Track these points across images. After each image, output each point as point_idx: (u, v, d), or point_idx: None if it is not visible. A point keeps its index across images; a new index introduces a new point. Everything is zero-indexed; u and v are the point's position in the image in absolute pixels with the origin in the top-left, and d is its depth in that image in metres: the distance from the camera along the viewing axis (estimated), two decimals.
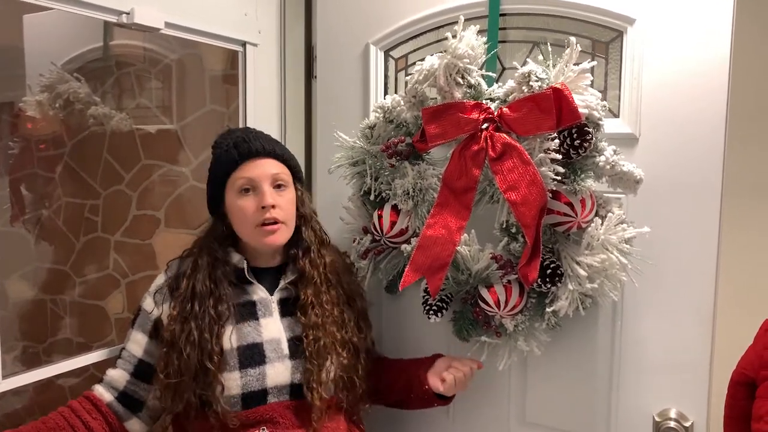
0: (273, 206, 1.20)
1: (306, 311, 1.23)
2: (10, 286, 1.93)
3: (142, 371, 1.21)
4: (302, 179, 1.33)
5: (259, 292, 1.25)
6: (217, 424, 1.15)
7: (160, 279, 1.27)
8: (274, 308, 1.25)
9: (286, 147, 1.30)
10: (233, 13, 1.53)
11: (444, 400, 1.33)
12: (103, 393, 1.19)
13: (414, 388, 1.32)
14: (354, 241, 1.44)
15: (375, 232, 1.37)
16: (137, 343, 1.22)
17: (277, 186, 1.23)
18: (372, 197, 1.38)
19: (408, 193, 1.31)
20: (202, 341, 1.15)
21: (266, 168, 1.22)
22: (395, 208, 1.34)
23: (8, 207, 1.86)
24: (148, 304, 1.24)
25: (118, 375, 1.21)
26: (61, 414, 1.14)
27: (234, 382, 1.16)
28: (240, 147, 1.22)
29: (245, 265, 1.24)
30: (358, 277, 1.41)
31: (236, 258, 1.25)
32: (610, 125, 1.24)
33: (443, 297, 1.32)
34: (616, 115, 1.32)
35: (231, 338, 1.19)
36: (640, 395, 1.32)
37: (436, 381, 1.28)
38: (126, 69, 1.93)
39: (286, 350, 1.21)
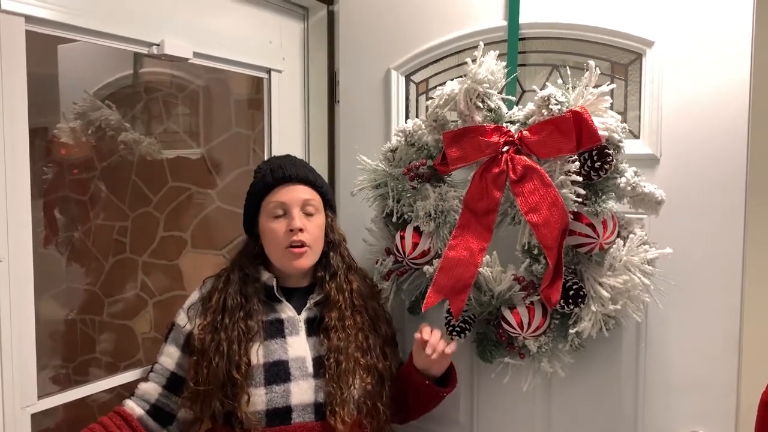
0: (301, 230, 1.24)
1: (329, 334, 1.25)
2: (42, 307, 1.98)
3: (174, 384, 1.24)
4: (333, 207, 1.37)
5: (287, 311, 1.28)
6: None
7: (195, 295, 1.31)
8: (301, 327, 1.28)
9: (320, 175, 1.34)
10: (258, 41, 1.57)
11: (443, 386, 1.33)
12: (134, 407, 1.22)
13: (421, 390, 1.32)
14: (376, 263, 1.46)
15: (397, 254, 1.39)
16: (170, 356, 1.26)
17: (308, 213, 1.27)
18: (394, 219, 1.40)
19: (430, 215, 1.33)
20: (231, 352, 1.19)
21: (298, 194, 1.26)
22: (417, 230, 1.36)
23: (42, 230, 1.92)
24: (181, 318, 1.28)
25: (151, 388, 1.24)
26: (92, 431, 1.16)
27: (259, 397, 1.19)
28: (275, 173, 1.27)
29: (274, 283, 1.28)
30: (382, 300, 1.42)
31: (266, 276, 1.29)
32: (630, 146, 1.24)
33: (466, 318, 1.33)
34: (637, 136, 1.32)
35: (258, 353, 1.21)
36: (666, 416, 1.31)
37: (419, 362, 1.30)
38: (154, 95, 1.99)
39: (310, 369, 1.24)
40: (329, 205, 1.34)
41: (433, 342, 1.26)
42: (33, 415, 1.11)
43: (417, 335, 1.27)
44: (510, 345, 1.33)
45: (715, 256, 1.25)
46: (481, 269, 1.26)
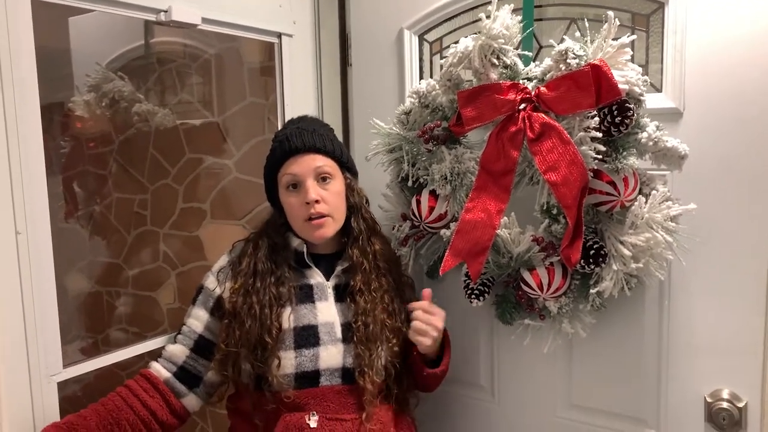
0: (317, 201, 1.22)
1: (355, 298, 1.25)
2: (69, 281, 2.02)
3: (201, 347, 1.26)
4: (351, 168, 1.34)
5: (316, 277, 1.29)
6: (272, 400, 1.19)
7: (224, 259, 1.31)
8: (330, 293, 1.28)
9: (333, 137, 1.31)
10: (268, 4, 1.54)
11: (434, 366, 1.30)
12: (160, 370, 1.24)
13: (410, 361, 1.31)
14: (393, 228, 1.45)
15: (414, 219, 1.38)
16: (198, 319, 1.27)
17: (323, 179, 1.25)
18: (410, 183, 1.38)
19: (446, 178, 1.31)
20: (263, 316, 1.20)
21: (308, 163, 1.24)
22: (433, 194, 1.34)
23: (62, 204, 1.94)
24: (210, 282, 1.29)
25: (178, 350, 1.26)
26: (119, 394, 1.19)
27: (289, 361, 1.20)
28: (283, 145, 1.26)
29: (305, 249, 1.28)
30: (403, 266, 1.42)
31: (296, 242, 1.29)
32: (652, 100, 1.20)
33: (485, 281, 1.32)
34: (659, 90, 1.28)
35: (289, 319, 1.22)
36: (690, 376, 1.29)
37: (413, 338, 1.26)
38: (167, 65, 1.98)
39: (339, 334, 1.24)
40: (346, 168, 1.32)
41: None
42: (59, 383, 1.14)
43: (423, 303, 1.26)
44: (530, 306, 1.32)
45: (741, 212, 1.21)
46: (499, 231, 1.24)
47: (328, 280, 1.29)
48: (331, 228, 1.26)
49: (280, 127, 1.59)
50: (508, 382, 1.51)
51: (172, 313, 2.02)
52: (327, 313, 1.25)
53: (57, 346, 1.12)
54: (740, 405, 1.24)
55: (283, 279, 1.24)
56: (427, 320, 1.24)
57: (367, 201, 1.36)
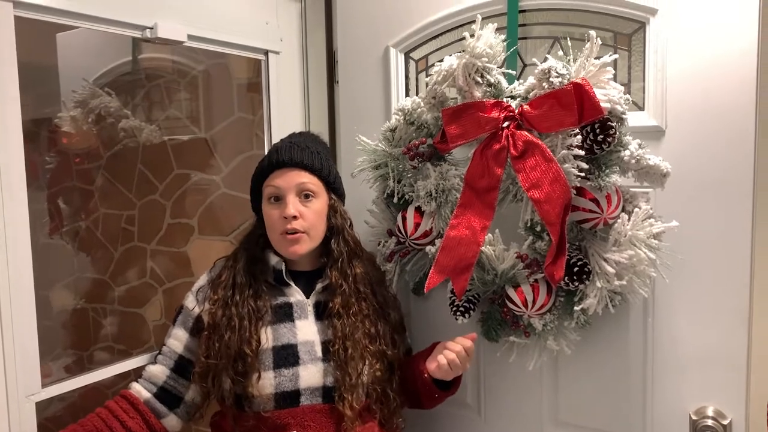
0: (295, 217, 1.22)
1: (333, 321, 1.24)
2: (53, 296, 2.00)
3: (181, 367, 1.25)
4: (337, 189, 1.33)
5: (296, 295, 1.28)
6: (252, 418, 1.18)
7: (203, 279, 1.31)
8: (310, 311, 1.27)
9: (324, 157, 1.30)
10: (255, 22, 1.55)
11: (446, 390, 1.31)
12: (140, 390, 1.23)
13: (418, 381, 1.31)
14: (379, 244, 1.44)
15: (399, 235, 1.38)
16: (178, 339, 1.26)
17: (305, 195, 1.25)
18: (395, 200, 1.38)
19: (431, 195, 1.31)
20: (242, 328, 1.19)
21: (293, 178, 1.24)
22: (419, 210, 1.34)
23: (47, 220, 1.93)
24: (190, 301, 1.28)
25: (158, 370, 1.25)
26: (99, 415, 1.17)
27: (268, 381, 1.18)
28: (271, 156, 1.27)
29: (283, 267, 1.27)
30: (388, 283, 1.41)
31: (274, 260, 1.28)
32: (635, 118, 1.22)
33: (470, 297, 1.32)
34: (641, 108, 1.29)
35: (267, 335, 1.21)
36: (675, 393, 1.29)
37: (432, 366, 1.26)
38: (155, 81, 1.98)
39: (319, 353, 1.23)
40: (332, 188, 1.32)
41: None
42: (39, 403, 1.12)
43: (466, 343, 1.25)
44: (515, 323, 1.31)
45: (723, 228, 1.22)
46: (483, 248, 1.24)
47: (308, 297, 1.28)
48: (305, 245, 1.25)
49: (267, 143, 1.60)
50: (495, 400, 1.51)
51: (159, 329, 2.00)
52: (307, 331, 1.24)
53: (36, 366, 1.11)
54: (725, 422, 1.23)
55: (261, 293, 1.24)
56: (464, 360, 1.24)
57: (350, 224, 1.34)
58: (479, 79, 1.23)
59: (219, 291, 1.24)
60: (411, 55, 1.57)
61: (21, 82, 1.07)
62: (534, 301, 1.23)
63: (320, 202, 1.27)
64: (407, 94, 1.57)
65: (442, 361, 1.23)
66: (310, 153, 1.28)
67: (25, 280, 1.08)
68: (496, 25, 1.24)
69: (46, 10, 1.11)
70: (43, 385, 1.12)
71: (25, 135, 1.09)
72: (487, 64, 1.22)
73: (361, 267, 1.31)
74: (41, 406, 1.13)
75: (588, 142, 1.14)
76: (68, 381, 1.19)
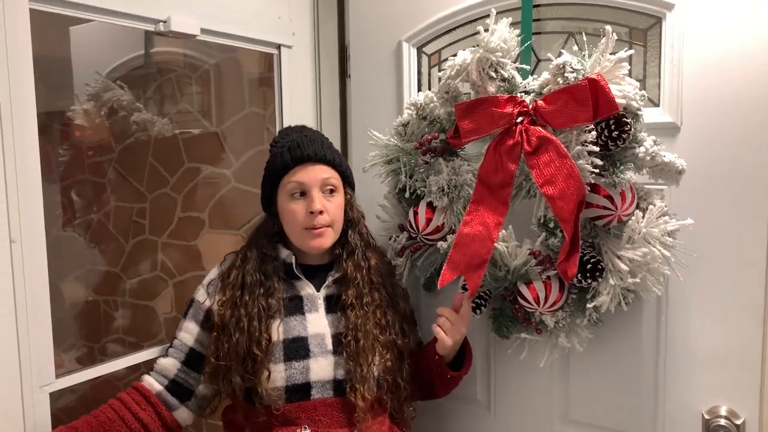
0: (321, 212, 1.22)
1: (347, 312, 1.25)
2: (66, 289, 2.01)
3: (192, 360, 1.25)
4: (352, 184, 1.35)
5: (306, 288, 1.28)
6: (263, 413, 1.18)
7: (214, 272, 1.31)
8: (320, 304, 1.27)
9: (338, 151, 1.32)
10: (267, 16, 1.55)
11: (457, 370, 1.32)
12: (152, 383, 1.23)
13: (430, 362, 1.31)
14: (390, 239, 1.44)
15: (411, 230, 1.37)
16: (189, 332, 1.27)
17: (329, 191, 1.26)
18: (407, 195, 1.38)
19: (443, 190, 1.30)
20: (251, 328, 1.19)
21: (317, 173, 1.24)
22: (431, 205, 1.34)
23: (60, 213, 1.94)
24: (200, 295, 1.29)
25: (169, 363, 1.25)
26: (111, 407, 1.18)
27: (279, 374, 1.19)
28: (293, 152, 1.25)
29: (293, 261, 1.27)
30: (398, 276, 1.41)
31: (285, 254, 1.28)
32: (650, 115, 1.20)
33: (482, 294, 1.32)
34: (657, 104, 1.28)
35: (278, 330, 1.22)
36: (687, 392, 1.28)
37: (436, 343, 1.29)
38: (167, 75, 1.98)
39: (329, 346, 1.23)
40: (348, 183, 1.33)
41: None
42: (53, 394, 1.13)
43: (455, 307, 1.29)
44: (527, 320, 1.31)
45: (738, 226, 1.20)
46: (496, 244, 1.23)
47: (318, 290, 1.29)
48: (329, 239, 1.26)
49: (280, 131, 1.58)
50: (505, 396, 1.50)
51: (170, 322, 2.01)
52: (317, 324, 1.25)
53: (50, 357, 1.11)
54: (738, 422, 1.22)
55: (273, 290, 1.24)
56: (455, 320, 1.26)
57: (363, 216, 1.36)
58: (493, 74, 1.22)
59: (227, 291, 1.25)
60: (424, 49, 1.56)
61: (35, 75, 1.08)
62: (546, 298, 1.23)
63: (340, 196, 1.28)
64: (419, 89, 1.56)
65: (435, 329, 1.26)
66: (329, 148, 1.29)
67: (39, 274, 1.09)
68: (510, 19, 1.23)
69: (60, 3, 1.12)
70: (57, 376, 1.13)
71: (39, 128, 1.09)
72: (501, 59, 1.21)
73: (375, 258, 1.33)
74: (54, 397, 1.14)
75: (603, 138, 1.13)
76: (81, 372, 1.19)
